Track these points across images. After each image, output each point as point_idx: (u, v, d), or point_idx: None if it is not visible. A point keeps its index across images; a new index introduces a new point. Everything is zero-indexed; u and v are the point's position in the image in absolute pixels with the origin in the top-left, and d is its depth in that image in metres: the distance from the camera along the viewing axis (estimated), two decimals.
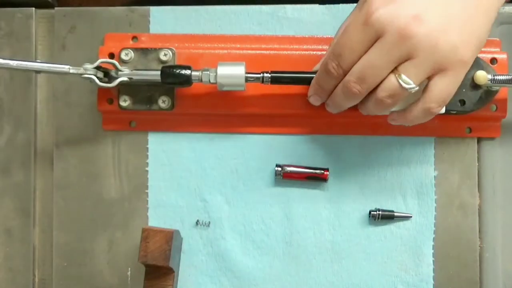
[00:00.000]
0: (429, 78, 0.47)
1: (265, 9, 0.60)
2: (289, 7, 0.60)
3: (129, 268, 0.60)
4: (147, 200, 0.60)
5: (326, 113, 0.56)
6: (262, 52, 0.58)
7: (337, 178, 0.59)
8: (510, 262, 0.59)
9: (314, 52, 0.58)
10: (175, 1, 0.61)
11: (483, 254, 0.59)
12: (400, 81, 0.47)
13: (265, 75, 0.54)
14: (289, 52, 0.58)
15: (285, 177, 0.59)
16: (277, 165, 0.59)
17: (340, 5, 0.59)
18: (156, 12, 0.61)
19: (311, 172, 0.59)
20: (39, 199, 0.62)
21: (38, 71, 0.53)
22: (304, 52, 0.58)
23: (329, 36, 0.59)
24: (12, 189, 0.61)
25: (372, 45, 0.47)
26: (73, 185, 0.61)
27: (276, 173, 0.59)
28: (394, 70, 0.47)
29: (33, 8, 0.62)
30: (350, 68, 0.48)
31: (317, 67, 0.55)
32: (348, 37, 0.48)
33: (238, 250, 0.60)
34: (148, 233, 0.55)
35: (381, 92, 0.48)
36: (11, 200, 0.61)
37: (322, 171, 0.59)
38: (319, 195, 0.59)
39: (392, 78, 0.47)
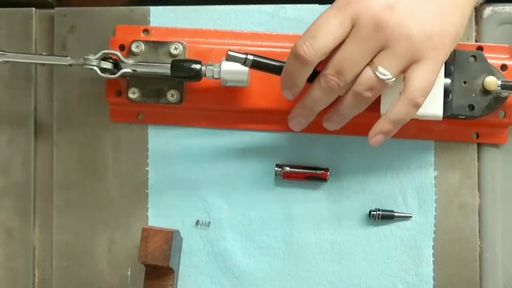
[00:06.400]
0: (406, 71, 0.48)
1: (265, 9, 0.60)
2: (289, 7, 0.60)
3: (129, 268, 0.60)
4: (147, 200, 0.60)
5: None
6: (272, 49, 0.58)
7: (337, 178, 0.59)
8: (510, 262, 0.59)
9: None
10: (175, 1, 0.61)
11: (483, 254, 0.59)
12: (376, 73, 0.47)
13: (249, 57, 0.51)
14: None
15: (285, 177, 0.59)
16: (277, 165, 0.59)
17: None
18: (156, 12, 0.61)
19: (311, 172, 0.59)
20: (39, 199, 0.62)
21: (42, 64, 0.54)
22: None
23: None
24: (12, 189, 0.61)
25: (347, 36, 0.47)
26: (73, 185, 0.61)
27: (276, 173, 0.59)
28: (370, 63, 0.47)
29: (33, 8, 0.62)
30: (322, 52, 0.47)
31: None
32: (323, 20, 0.47)
33: (238, 250, 0.60)
34: (148, 233, 0.55)
35: (359, 86, 0.48)
36: (11, 200, 0.61)
37: (322, 171, 0.59)
38: (319, 195, 0.59)
39: (368, 70, 0.47)
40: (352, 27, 0.47)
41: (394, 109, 0.49)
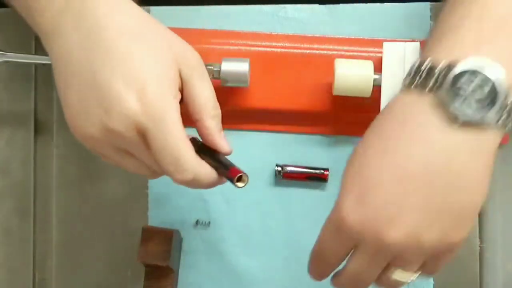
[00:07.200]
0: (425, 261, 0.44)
1: (265, 9, 0.60)
2: (289, 7, 0.60)
3: (129, 268, 0.60)
4: (147, 200, 0.60)
5: (329, 112, 0.56)
6: (272, 49, 0.58)
7: (337, 178, 0.59)
8: (510, 262, 0.59)
9: (324, 52, 0.58)
10: (175, 1, 0.61)
11: (483, 254, 0.59)
12: (397, 278, 0.44)
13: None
14: (298, 51, 0.58)
15: (285, 177, 0.59)
16: (277, 165, 0.59)
17: (340, 5, 0.59)
18: (156, 12, 0.60)
19: (311, 172, 0.59)
20: (39, 199, 0.62)
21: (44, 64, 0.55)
22: (315, 51, 0.58)
23: (331, 36, 0.59)
24: (12, 189, 0.61)
25: (352, 249, 0.43)
26: (73, 185, 0.61)
27: (276, 173, 0.59)
28: (387, 268, 0.43)
29: None
30: (332, 269, 0.46)
31: None
32: (324, 246, 0.45)
33: (238, 250, 0.60)
34: (148, 233, 0.55)
35: (382, 283, 0.45)
36: (11, 200, 0.61)
37: (322, 171, 0.59)
38: (319, 195, 0.59)
39: (388, 276, 0.44)
40: (355, 243, 0.42)
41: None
